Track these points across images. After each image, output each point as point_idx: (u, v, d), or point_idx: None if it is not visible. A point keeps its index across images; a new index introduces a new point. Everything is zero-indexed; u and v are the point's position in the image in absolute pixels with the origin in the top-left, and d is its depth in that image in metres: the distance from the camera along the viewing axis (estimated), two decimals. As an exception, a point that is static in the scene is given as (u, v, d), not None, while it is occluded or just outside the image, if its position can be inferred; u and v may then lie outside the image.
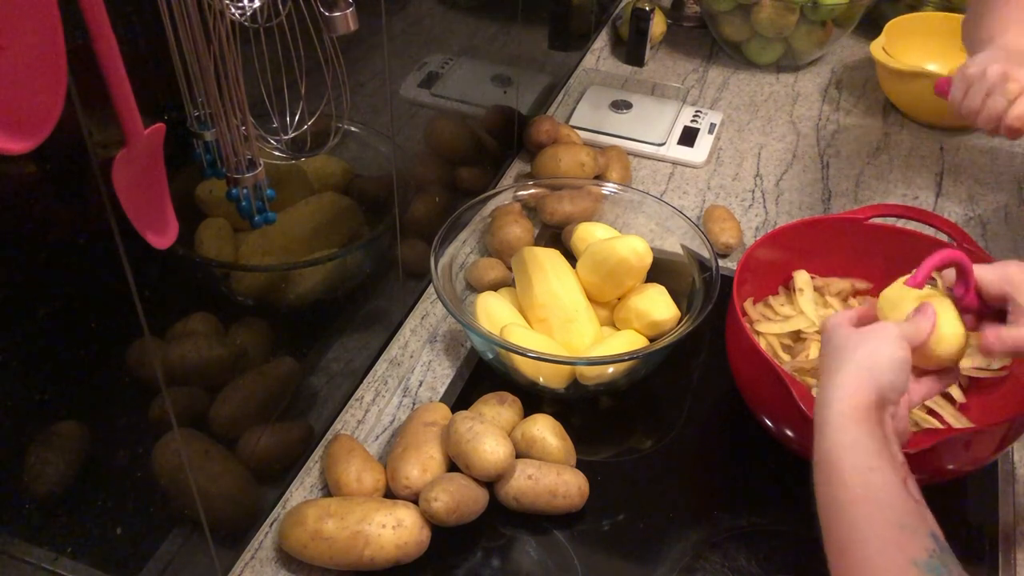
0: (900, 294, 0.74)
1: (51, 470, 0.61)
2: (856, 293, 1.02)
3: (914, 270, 0.71)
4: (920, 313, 0.70)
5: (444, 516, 0.80)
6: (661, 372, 1.00)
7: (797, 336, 0.97)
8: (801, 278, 1.01)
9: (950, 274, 0.74)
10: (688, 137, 1.38)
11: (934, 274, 0.73)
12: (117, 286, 0.60)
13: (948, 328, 0.70)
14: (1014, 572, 0.84)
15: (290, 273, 0.86)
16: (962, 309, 0.73)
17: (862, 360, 0.66)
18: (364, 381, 1.00)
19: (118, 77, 0.51)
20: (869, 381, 0.65)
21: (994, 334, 0.70)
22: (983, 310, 0.73)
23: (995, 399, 0.91)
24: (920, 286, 0.71)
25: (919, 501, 0.61)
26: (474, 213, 1.09)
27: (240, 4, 0.59)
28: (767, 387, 0.84)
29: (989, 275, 0.72)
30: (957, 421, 0.90)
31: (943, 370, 0.73)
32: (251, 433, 0.82)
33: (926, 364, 0.71)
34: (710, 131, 1.39)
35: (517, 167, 1.34)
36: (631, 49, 1.58)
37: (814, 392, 0.89)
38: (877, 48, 1.41)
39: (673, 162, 1.35)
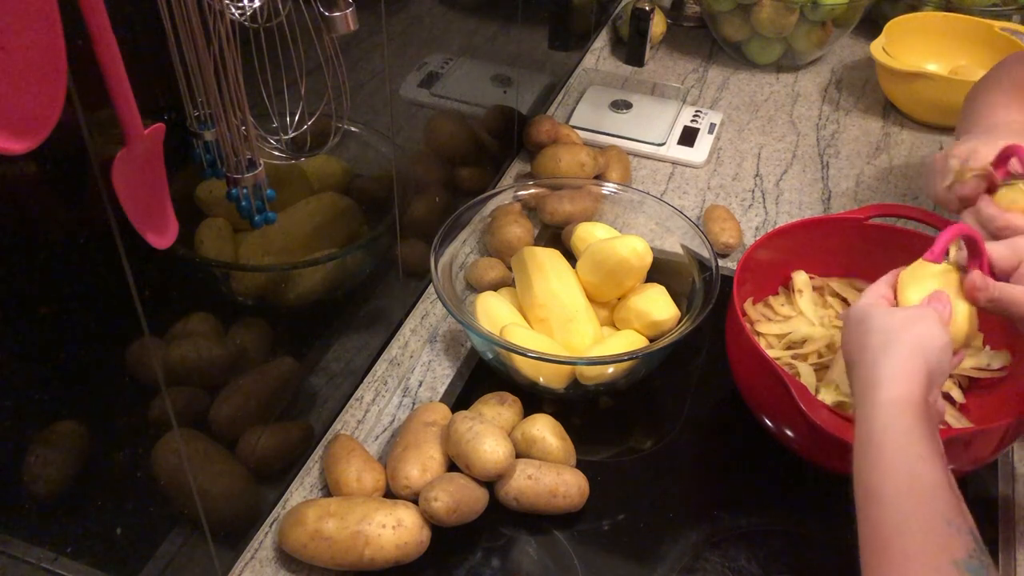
0: (921, 271, 0.76)
1: (51, 470, 0.61)
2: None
3: (932, 248, 0.74)
4: (936, 300, 0.71)
5: (444, 516, 0.80)
6: (661, 372, 1.00)
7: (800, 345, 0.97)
8: (800, 279, 1.01)
9: (962, 255, 0.75)
10: (688, 137, 1.38)
11: (950, 248, 0.76)
12: (117, 286, 0.60)
13: (960, 311, 0.73)
14: (1014, 572, 0.84)
15: (290, 273, 0.86)
16: None
17: (914, 343, 0.64)
18: (364, 381, 1.00)
19: (118, 77, 0.51)
20: (923, 366, 0.63)
21: (981, 278, 0.71)
22: None
23: (995, 399, 0.91)
24: (939, 260, 0.74)
25: (959, 496, 0.58)
26: (474, 213, 1.09)
27: (240, 4, 0.59)
28: (767, 387, 0.84)
29: (1001, 249, 0.73)
30: (957, 421, 0.90)
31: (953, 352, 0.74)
32: (251, 433, 0.82)
33: None
34: (710, 131, 1.39)
35: (517, 167, 1.34)
36: (631, 49, 1.58)
37: (812, 392, 0.89)
38: (877, 48, 1.41)
39: (673, 162, 1.35)
